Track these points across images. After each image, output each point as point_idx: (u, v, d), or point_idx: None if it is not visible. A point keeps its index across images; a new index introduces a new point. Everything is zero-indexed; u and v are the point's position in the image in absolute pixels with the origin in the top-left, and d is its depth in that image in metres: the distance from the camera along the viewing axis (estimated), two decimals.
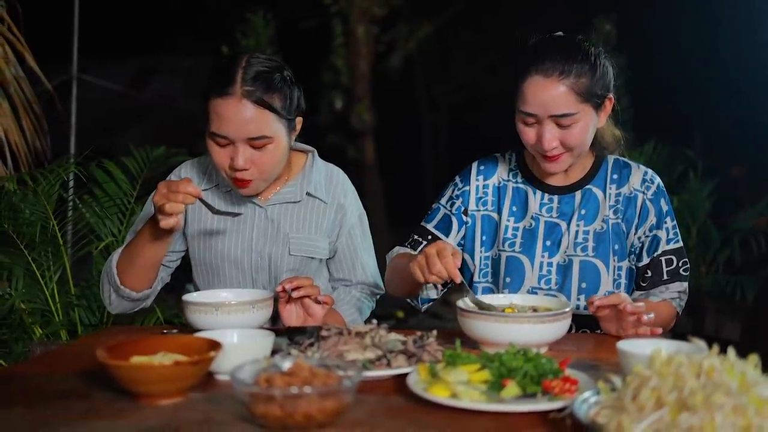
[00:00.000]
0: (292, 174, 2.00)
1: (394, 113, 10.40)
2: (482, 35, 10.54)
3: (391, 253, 2.03)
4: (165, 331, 1.74)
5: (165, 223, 1.66)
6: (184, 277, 2.20)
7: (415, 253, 1.95)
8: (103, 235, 2.79)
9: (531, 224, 1.92)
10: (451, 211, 2.00)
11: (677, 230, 1.93)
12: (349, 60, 8.45)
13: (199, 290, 2.01)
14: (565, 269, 1.88)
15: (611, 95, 1.85)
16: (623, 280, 1.89)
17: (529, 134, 1.82)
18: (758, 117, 7.29)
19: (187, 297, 1.69)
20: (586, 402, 1.11)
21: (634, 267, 1.93)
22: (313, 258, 1.98)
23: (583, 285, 1.86)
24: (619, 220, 1.90)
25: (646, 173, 1.93)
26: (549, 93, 1.75)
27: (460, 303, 1.58)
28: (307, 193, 1.97)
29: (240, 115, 1.76)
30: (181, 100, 9.84)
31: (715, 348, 1.10)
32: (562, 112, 1.75)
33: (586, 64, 1.77)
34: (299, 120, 1.91)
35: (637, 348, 1.29)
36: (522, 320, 1.46)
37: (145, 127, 10.15)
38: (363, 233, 2.07)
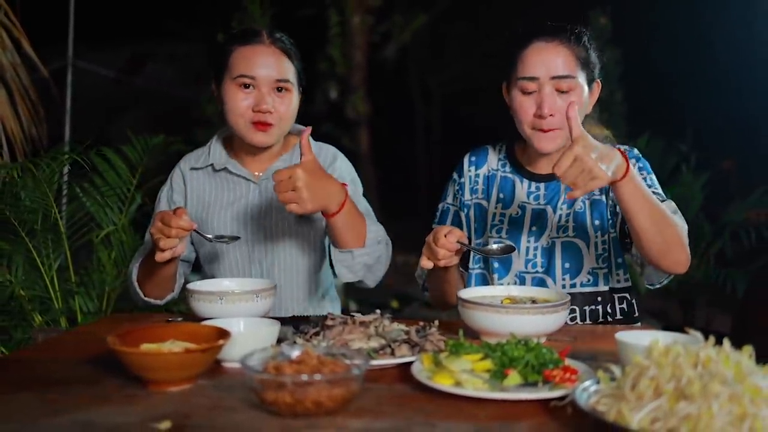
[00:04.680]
0: (285, 150, 2.06)
1: (389, 104, 10.39)
2: (476, 26, 10.54)
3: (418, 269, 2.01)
4: (170, 319, 1.76)
5: (160, 257, 1.75)
6: (195, 266, 2.22)
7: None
8: (104, 224, 2.80)
9: (518, 212, 1.97)
10: (457, 206, 2.05)
11: (657, 185, 1.89)
12: (345, 50, 8.44)
13: (204, 271, 2.06)
14: (548, 252, 1.92)
15: (599, 80, 1.92)
16: (611, 253, 1.91)
17: (526, 105, 1.85)
18: (748, 111, 7.34)
19: (191, 286, 1.72)
20: (587, 391, 1.14)
21: (617, 230, 1.91)
22: (304, 222, 2.00)
23: (567, 265, 1.91)
24: (597, 196, 1.93)
25: (625, 150, 1.93)
26: (551, 55, 1.83)
27: (461, 294, 1.61)
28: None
29: (269, 58, 1.91)
30: (176, 87, 9.81)
31: (711, 339, 1.13)
32: (565, 73, 1.82)
33: (582, 36, 1.88)
34: (300, 91, 2.01)
35: (634, 339, 1.33)
36: (522, 311, 1.50)
37: (138, 113, 10.13)
38: (357, 196, 2.03)
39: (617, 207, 1.89)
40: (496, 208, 1.99)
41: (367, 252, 1.82)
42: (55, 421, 1.11)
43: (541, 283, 1.91)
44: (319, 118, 8.45)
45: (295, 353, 1.21)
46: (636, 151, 1.98)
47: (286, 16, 7.15)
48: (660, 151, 4.96)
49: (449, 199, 2.08)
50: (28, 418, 1.13)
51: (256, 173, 2.02)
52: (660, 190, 1.92)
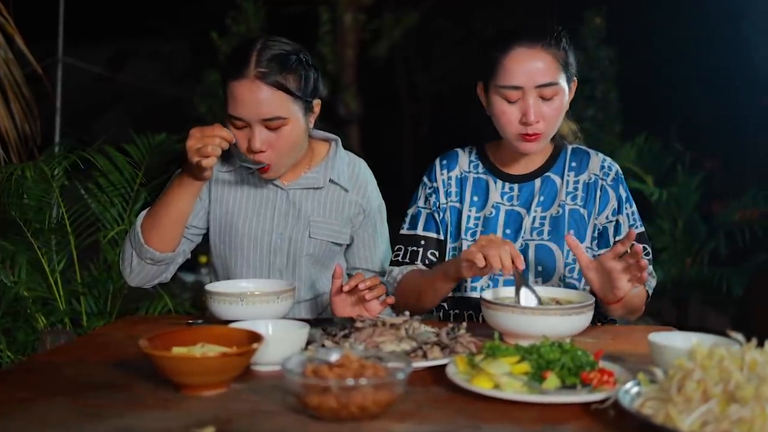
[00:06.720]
0: (315, 161, 2.02)
1: (380, 102, 10.38)
2: (467, 25, 10.55)
3: (390, 274, 1.96)
4: (190, 321, 1.74)
5: (207, 162, 1.70)
6: (186, 264, 2.20)
7: (423, 266, 1.93)
8: (109, 224, 2.77)
9: (491, 212, 1.93)
10: (431, 209, 1.98)
11: (637, 216, 1.95)
12: (336, 48, 8.42)
13: (216, 272, 2.02)
14: (522, 254, 1.83)
15: (575, 79, 1.89)
16: (577, 265, 1.87)
17: (510, 113, 1.82)
18: (739, 110, 7.40)
19: (210, 287, 1.70)
20: (628, 393, 1.14)
21: (597, 252, 1.91)
22: (332, 243, 1.99)
23: (539, 268, 1.89)
24: (578, 207, 1.92)
25: (604, 160, 1.97)
26: (534, 62, 1.78)
27: (485, 295, 1.60)
28: (330, 180, 1.99)
29: (254, 96, 1.79)
30: (159, 85, 9.74)
31: (754, 341, 1.13)
32: (548, 81, 1.79)
33: (562, 39, 1.83)
34: (317, 102, 1.93)
35: (669, 341, 1.33)
36: (550, 313, 1.49)
37: (122, 110, 10.05)
38: (381, 223, 2.10)
39: (609, 236, 1.92)
40: (470, 210, 1.96)
41: None
42: (96, 427, 1.09)
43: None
44: None
45: (333, 356, 1.20)
46: (618, 169, 1.97)
47: (276, 13, 7.11)
48: (657, 151, 4.98)
49: (421, 203, 2.00)
50: (68, 424, 1.10)
51: (286, 182, 1.98)
52: (638, 223, 1.94)
